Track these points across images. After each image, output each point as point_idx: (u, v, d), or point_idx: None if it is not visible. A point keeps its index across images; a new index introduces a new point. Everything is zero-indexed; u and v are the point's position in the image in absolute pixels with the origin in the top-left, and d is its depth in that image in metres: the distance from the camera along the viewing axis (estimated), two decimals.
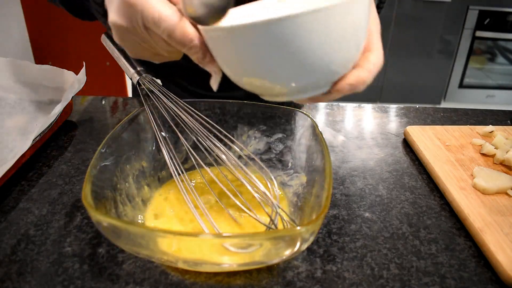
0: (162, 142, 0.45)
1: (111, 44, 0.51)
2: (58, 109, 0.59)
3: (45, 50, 1.67)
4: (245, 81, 0.35)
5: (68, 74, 0.67)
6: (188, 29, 0.34)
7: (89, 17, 0.63)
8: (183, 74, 0.76)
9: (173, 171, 0.43)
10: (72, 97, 0.64)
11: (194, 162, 0.45)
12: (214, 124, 0.47)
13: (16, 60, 0.67)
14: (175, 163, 0.44)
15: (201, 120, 0.47)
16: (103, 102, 0.74)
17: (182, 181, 0.44)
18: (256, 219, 0.41)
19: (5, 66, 0.66)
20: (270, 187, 0.44)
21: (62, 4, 0.62)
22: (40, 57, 1.68)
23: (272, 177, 0.46)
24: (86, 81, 0.66)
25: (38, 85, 0.66)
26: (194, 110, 0.47)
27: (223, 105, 0.52)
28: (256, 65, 0.33)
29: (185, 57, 0.39)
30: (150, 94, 0.49)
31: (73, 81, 0.64)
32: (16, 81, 0.65)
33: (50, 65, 0.67)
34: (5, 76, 0.66)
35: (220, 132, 0.46)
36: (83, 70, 0.65)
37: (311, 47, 0.31)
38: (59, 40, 1.66)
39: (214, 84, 0.38)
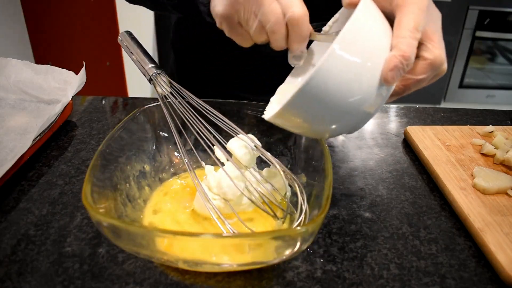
0: (176, 136, 0.45)
1: (130, 40, 0.51)
2: (58, 109, 0.59)
3: (45, 50, 1.67)
4: (316, 131, 0.39)
5: (68, 74, 0.67)
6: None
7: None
8: (222, 76, 0.76)
9: (187, 163, 0.43)
10: (72, 97, 0.64)
11: (214, 158, 0.44)
12: (231, 124, 0.46)
13: (16, 60, 0.67)
14: (188, 157, 0.45)
15: (217, 117, 0.46)
16: (103, 102, 0.74)
17: (193, 170, 0.44)
18: (266, 212, 0.41)
19: (5, 66, 0.66)
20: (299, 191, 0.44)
21: None
22: (40, 57, 1.68)
23: (297, 183, 0.45)
24: (86, 81, 0.66)
25: (38, 85, 0.65)
26: (209, 108, 0.47)
27: (223, 105, 0.52)
28: (315, 117, 0.36)
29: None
30: (165, 92, 0.48)
31: (73, 81, 0.64)
32: (16, 81, 0.65)
33: (50, 65, 0.67)
34: (5, 76, 0.66)
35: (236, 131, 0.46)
36: (83, 70, 0.65)
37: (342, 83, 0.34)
38: (59, 40, 1.66)
39: (301, 62, 0.42)
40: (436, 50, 0.37)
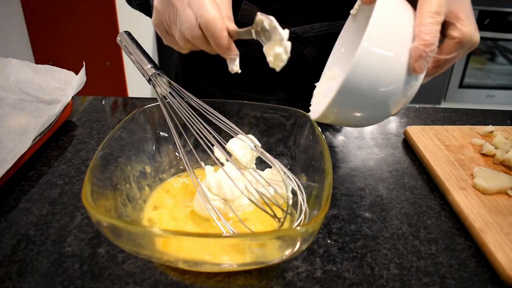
0: (176, 136, 0.45)
1: (129, 41, 0.51)
2: (58, 109, 0.59)
3: (45, 50, 1.67)
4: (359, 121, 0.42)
5: (68, 74, 0.67)
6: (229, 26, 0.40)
7: None
8: (226, 74, 0.76)
9: (186, 163, 0.43)
10: (72, 97, 0.64)
11: (214, 158, 0.45)
12: (231, 124, 0.46)
13: (16, 60, 0.67)
14: (187, 157, 0.45)
15: (216, 118, 0.46)
16: (103, 102, 0.74)
17: (193, 170, 0.44)
18: (266, 212, 0.41)
19: (5, 66, 0.66)
20: (298, 190, 0.44)
21: None
22: (40, 57, 1.68)
23: (298, 184, 0.45)
24: (86, 81, 0.66)
25: (38, 85, 0.65)
26: (208, 108, 0.47)
27: (223, 105, 0.52)
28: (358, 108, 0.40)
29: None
30: (164, 92, 0.48)
31: (73, 81, 0.64)
32: (16, 81, 0.65)
33: (50, 65, 0.67)
34: (5, 76, 0.66)
35: (235, 131, 0.46)
36: (83, 70, 0.65)
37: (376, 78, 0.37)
38: (59, 40, 1.66)
39: (235, 67, 0.43)
40: (464, 28, 0.38)
